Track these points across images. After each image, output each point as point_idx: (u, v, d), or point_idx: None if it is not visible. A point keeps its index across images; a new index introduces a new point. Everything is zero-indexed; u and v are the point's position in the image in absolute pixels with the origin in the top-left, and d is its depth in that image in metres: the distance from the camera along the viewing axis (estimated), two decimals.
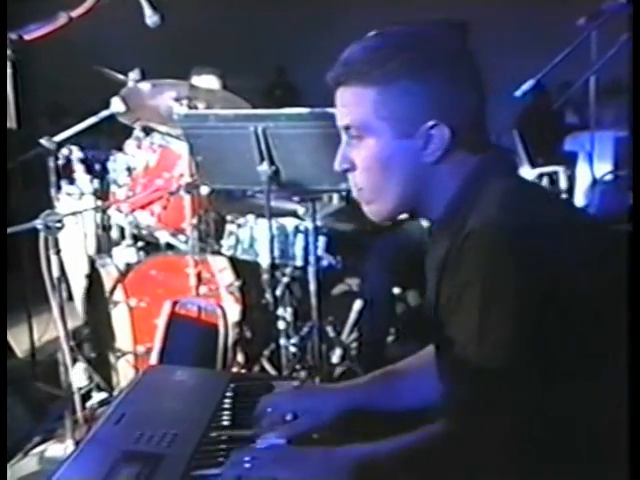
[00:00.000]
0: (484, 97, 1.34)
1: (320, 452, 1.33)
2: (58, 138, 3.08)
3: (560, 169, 3.86)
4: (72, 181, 3.35)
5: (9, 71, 2.95)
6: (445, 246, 1.30)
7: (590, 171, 3.79)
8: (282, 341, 3.09)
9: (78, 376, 2.50)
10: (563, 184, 3.83)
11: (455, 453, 1.21)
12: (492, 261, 1.18)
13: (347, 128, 1.34)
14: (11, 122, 3.05)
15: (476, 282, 1.19)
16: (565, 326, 1.18)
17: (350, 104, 1.32)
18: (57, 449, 2.55)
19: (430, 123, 1.27)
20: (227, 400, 1.58)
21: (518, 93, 2.69)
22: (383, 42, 1.31)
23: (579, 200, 3.95)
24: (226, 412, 1.54)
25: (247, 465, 1.25)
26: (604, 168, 3.89)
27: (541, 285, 1.17)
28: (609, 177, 3.81)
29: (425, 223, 1.54)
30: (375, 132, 1.30)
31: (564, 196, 3.64)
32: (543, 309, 1.17)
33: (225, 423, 1.50)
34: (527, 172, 3.90)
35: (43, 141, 3.00)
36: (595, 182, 3.76)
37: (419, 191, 1.33)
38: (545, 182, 3.79)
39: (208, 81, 3.99)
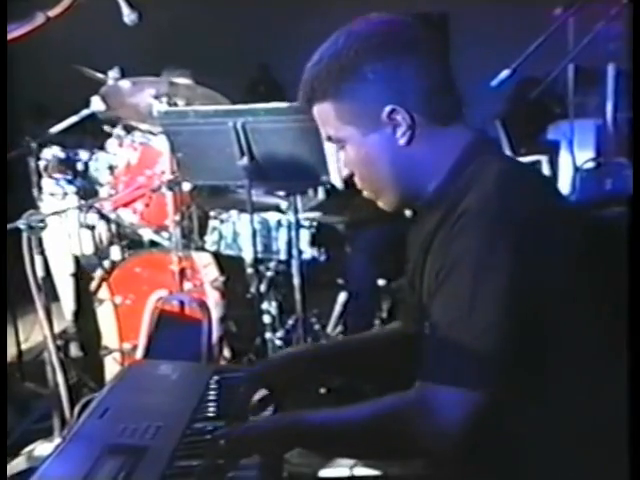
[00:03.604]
0: (435, 72, 1.35)
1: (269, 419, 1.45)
2: (39, 138, 3.08)
3: (543, 158, 3.87)
4: (55, 181, 3.35)
5: None
6: (433, 223, 1.33)
7: (572, 159, 3.81)
8: (268, 335, 3.11)
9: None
10: (546, 173, 3.85)
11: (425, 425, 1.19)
12: (487, 241, 1.20)
13: (330, 139, 1.41)
14: None
15: (469, 260, 1.20)
16: (557, 312, 1.19)
17: (321, 119, 1.40)
18: (45, 448, 2.55)
19: (387, 110, 1.31)
20: (211, 392, 1.59)
21: (494, 83, 2.69)
22: (320, 56, 1.36)
23: (562, 187, 3.97)
24: (210, 404, 1.54)
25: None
26: (585, 156, 3.91)
27: (535, 269, 1.18)
28: (590, 164, 3.83)
29: (409, 213, 1.56)
30: (348, 137, 1.37)
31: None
32: (535, 293, 1.18)
33: (210, 414, 1.51)
34: None
35: (24, 142, 3.00)
36: (577, 170, 3.77)
37: (410, 174, 1.37)
38: None
39: None
